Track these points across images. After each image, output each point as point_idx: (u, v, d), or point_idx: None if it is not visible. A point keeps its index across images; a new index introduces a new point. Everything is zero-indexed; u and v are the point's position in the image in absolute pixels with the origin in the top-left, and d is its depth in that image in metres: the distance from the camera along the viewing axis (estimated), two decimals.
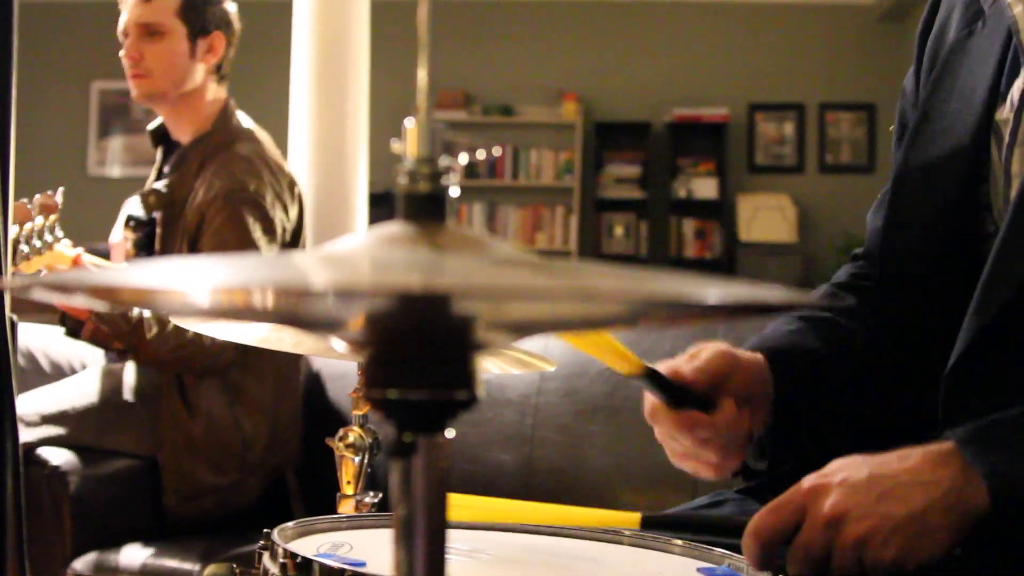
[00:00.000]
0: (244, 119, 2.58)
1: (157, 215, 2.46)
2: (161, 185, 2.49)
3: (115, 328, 2.32)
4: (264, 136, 2.58)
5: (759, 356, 1.18)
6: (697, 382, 1.14)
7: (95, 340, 2.37)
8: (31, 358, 2.64)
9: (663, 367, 1.15)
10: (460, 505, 0.90)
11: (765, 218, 7.75)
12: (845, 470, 0.93)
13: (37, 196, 2.20)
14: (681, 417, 1.13)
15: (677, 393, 1.14)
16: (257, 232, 2.40)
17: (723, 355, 1.16)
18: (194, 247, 2.40)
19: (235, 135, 2.52)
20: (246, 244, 2.37)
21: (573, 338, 1.16)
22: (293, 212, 2.53)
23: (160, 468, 2.39)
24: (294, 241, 2.53)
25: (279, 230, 2.47)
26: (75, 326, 2.36)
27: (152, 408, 2.41)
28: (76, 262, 2.27)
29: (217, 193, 2.39)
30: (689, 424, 1.13)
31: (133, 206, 2.57)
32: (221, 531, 2.43)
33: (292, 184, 2.55)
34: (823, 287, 1.37)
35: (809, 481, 0.94)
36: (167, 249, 2.42)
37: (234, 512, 2.45)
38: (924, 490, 0.91)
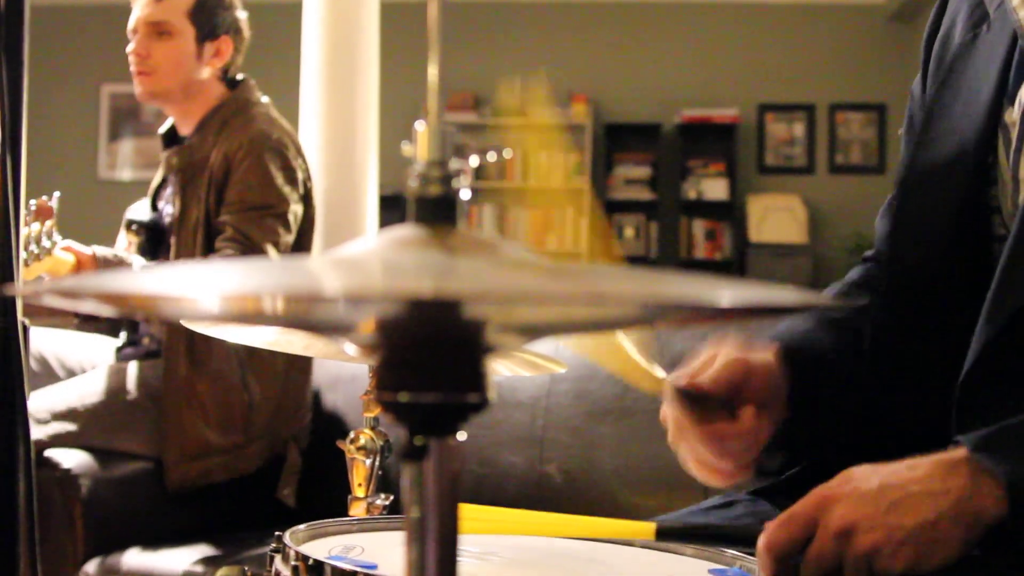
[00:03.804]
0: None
1: (174, 177, 2.50)
2: (183, 145, 2.54)
3: None
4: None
5: (770, 356, 1.18)
6: (715, 392, 1.13)
7: None
8: (43, 362, 2.65)
9: (681, 378, 1.14)
10: (472, 517, 0.90)
11: (775, 219, 7.74)
12: (854, 480, 0.93)
13: (32, 201, 2.20)
14: (707, 430, 1.12)
15: (702, 407, 1.13)
16: (279, 179, 2.46)
17: (737, 362, 1.14)
18: (221, 196, 2.44)
19: (252, 101, 2.58)
20: (269, 191, 2.44)
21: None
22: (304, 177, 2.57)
23: (163, 423, 2.40)
24: (308, 199, 2.56)
25: (300, 179, 2.52)
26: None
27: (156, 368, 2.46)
28: (82, 265, 2.27)
29: (242, 142, 2.45)
30: (715, 437, 1.12)
31: (135, 210, 2.59)
32: (217, 498, 2.43)
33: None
34: (836, 285, 1.36)
35: (818, 492, 0.94)
36: (188, 206, 2.46)
37: (233, 478, 2.44)
38: (934, 500, 0.90)
